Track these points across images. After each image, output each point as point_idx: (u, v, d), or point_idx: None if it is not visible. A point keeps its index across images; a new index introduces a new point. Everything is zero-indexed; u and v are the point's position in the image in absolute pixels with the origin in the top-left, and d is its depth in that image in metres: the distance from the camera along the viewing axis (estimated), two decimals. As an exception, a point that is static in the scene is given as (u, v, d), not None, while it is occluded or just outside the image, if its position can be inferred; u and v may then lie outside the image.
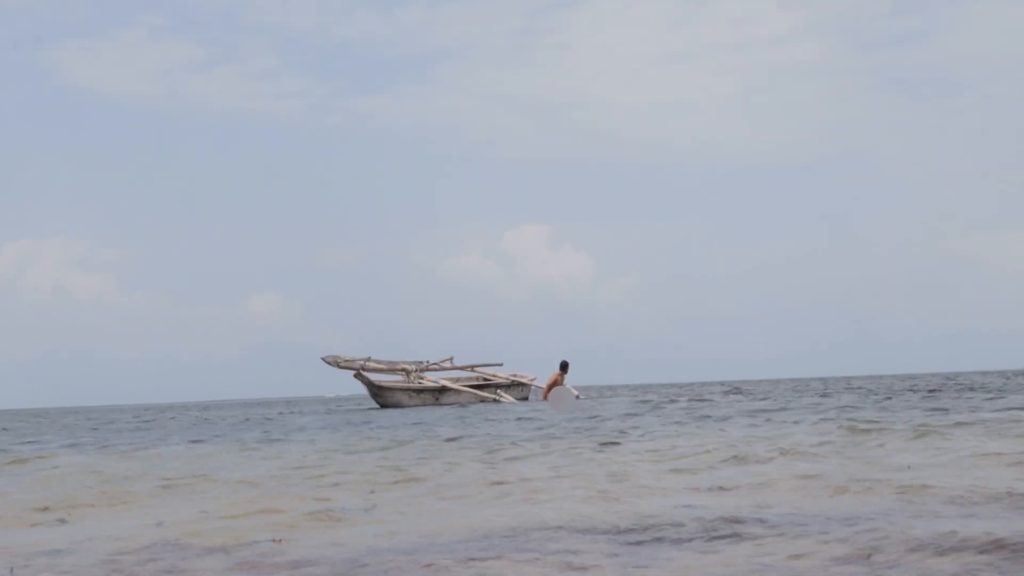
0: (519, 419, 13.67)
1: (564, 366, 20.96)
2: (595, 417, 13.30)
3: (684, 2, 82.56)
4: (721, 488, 5.31)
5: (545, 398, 21.01)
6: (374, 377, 22.12)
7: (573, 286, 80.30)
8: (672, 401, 18.40)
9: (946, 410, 11.73)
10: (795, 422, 10.51)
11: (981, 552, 3.35)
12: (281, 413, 21.66)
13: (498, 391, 23.15)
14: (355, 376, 21.87)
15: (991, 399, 14.24)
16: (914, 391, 19.51)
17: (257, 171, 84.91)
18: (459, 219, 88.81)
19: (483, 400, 22.46)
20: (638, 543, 3.80)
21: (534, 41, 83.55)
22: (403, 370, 22.70)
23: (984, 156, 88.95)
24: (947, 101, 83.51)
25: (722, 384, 43.48)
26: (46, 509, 5.40)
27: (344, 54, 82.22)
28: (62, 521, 4.99)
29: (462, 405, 21.58)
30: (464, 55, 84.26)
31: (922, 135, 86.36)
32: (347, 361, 22.05)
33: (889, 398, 16.17)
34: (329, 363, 22.07)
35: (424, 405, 21.68)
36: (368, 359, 22.05)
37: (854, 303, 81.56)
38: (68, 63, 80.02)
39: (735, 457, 6.80)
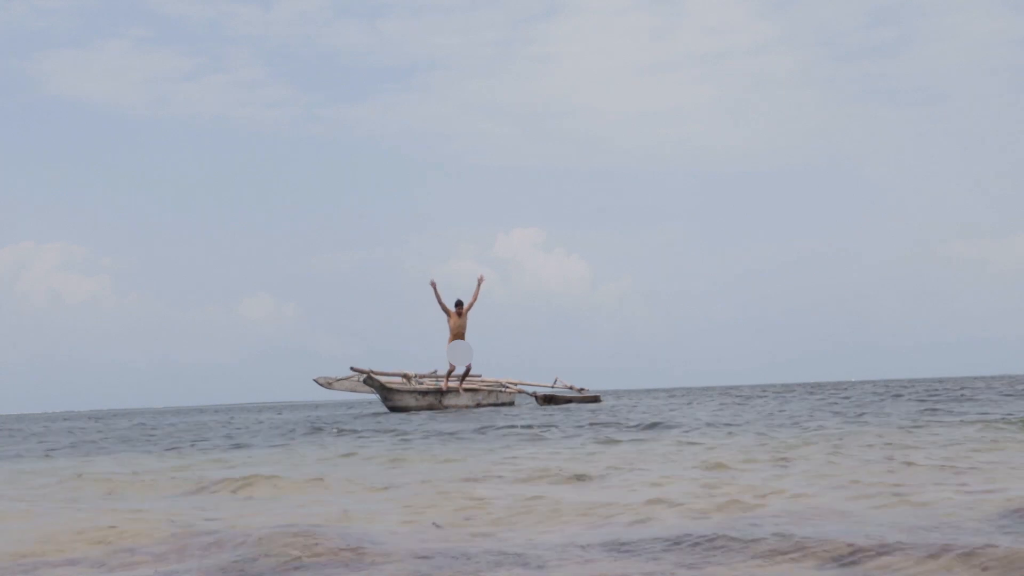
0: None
1: (459, 304, 21.73)
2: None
3: (662, 13, 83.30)
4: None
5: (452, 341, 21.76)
6: (384, 380, 22.42)
7: (566, 291, 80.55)
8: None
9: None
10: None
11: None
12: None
13: (505, 387, 23.51)
14: (365, 381, 22.18)
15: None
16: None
17: (247, 178, 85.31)
18: (449, 225, 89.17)
19: (479, 404, 22.78)
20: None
21: (516, 51, 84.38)
22: (404, 375, 23.02)
23: (969, 163, 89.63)
24: (927, 110, 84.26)
25: (709, 389, 43.64)
26: None
27: (328, 64, 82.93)
28: None
29: (472, 407, 21.91)
30: (447, 65, 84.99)
31: (906, 143, 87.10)
32: (339, 381, 22.69)
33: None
34: (322, 384, 22.68)
35: (430, 408, 21.95)
36: (363, 375, 22.46)
37: (849, 308, 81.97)
38: (57, 73, 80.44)
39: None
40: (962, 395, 18.63)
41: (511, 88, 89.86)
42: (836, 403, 16.92)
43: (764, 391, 33.93)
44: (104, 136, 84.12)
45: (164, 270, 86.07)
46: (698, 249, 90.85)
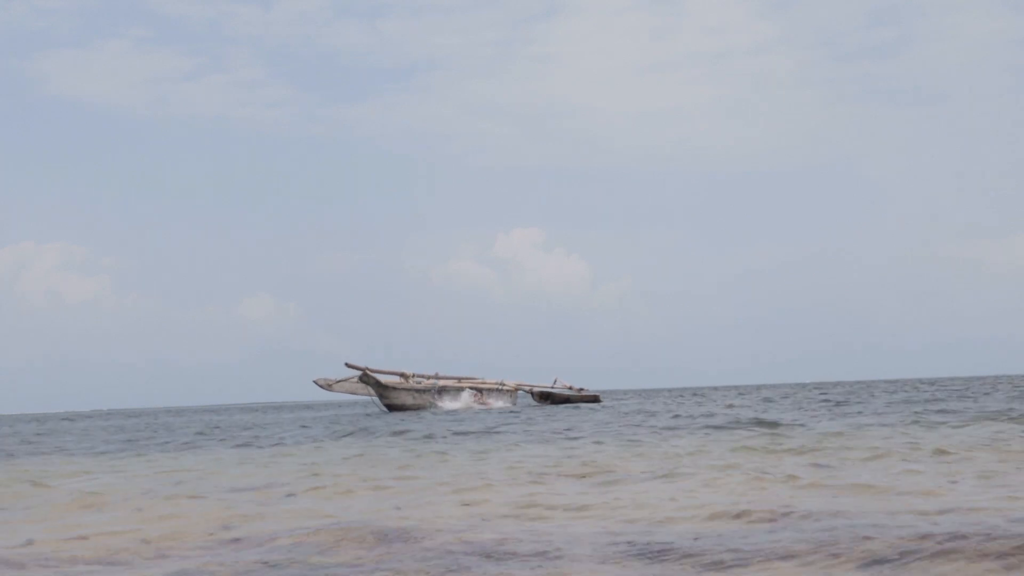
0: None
1: None
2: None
3: (662, 13, 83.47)
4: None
5: None
6: (380, 378, 22.48)
7: (566, 291, 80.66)
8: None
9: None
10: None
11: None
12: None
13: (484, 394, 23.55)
14: (360, 378, 22.26)
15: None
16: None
17: (247, 178, 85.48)
18: (449, 225, 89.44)
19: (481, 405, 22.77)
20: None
21: (515, 51, 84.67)
22: (401, 374, 23.14)
23: (969, 163, 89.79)
24: (927, 110, 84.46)
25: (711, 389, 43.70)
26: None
27: (328, 64, 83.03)
28: None
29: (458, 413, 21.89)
30: (447, 65, 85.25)
31: (906, 143, 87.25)
32: (339, 383, 22.84)
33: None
34: (321, 386, 22.82)
35: (426, 406, 22.02)
36: (359, 372, 22.44)
37: (849, 309, 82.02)
38: (57, 73, 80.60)
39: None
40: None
41: (511, 88, 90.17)
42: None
43: (757, 390, 33.97)
44: (104, 136, 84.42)
45: (164, 270, 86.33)
46: (698, 249, 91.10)
